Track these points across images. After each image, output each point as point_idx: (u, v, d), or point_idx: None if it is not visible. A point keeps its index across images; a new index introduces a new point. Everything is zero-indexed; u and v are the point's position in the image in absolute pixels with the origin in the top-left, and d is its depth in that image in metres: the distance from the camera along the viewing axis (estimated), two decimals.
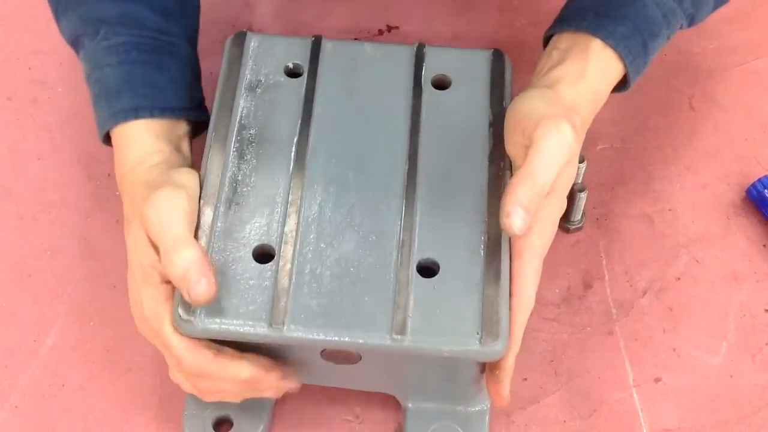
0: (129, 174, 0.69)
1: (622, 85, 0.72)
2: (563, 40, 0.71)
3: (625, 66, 0.70)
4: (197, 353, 0.64)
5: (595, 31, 0.69)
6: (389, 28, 0.94)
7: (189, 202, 0.65)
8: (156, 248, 0.63)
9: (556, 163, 0.63)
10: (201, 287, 0.61)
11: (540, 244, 0.65)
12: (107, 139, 0.73)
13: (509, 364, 0.65)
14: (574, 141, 0.64)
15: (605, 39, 0.69)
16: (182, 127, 0.73)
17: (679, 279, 0.80)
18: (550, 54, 0.72)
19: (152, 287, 0.64)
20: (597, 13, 0.70)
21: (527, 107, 0.67)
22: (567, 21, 0.72)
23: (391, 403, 0.73)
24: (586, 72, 0.69)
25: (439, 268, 0.66)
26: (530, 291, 0.65)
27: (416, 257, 0.66)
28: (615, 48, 0.69)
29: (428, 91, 0.74)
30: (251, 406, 0.71)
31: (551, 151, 0.63)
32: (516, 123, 0.66)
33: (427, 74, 0.75)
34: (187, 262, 0.61)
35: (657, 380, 0.75)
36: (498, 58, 0.76)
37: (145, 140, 0.70)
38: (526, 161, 0.63)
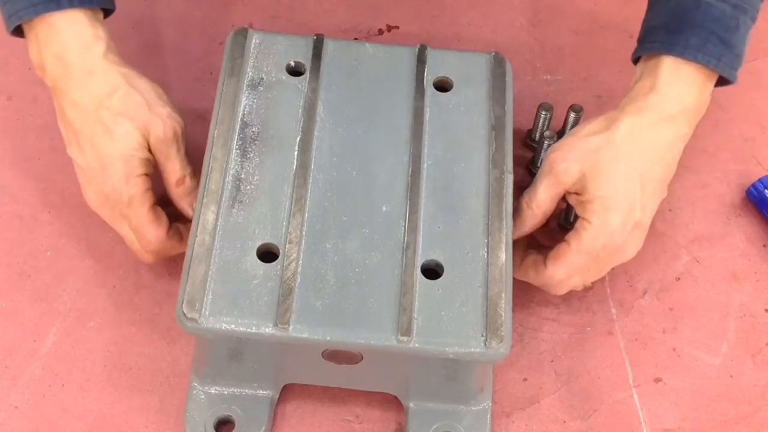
0: (80, 59, 0.71)
1: (724, 81, 0.73)
2: (641, 63, 0.73)
3: (713, 69, 0.71)
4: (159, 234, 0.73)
5: (669, 49, 0.70)
6: (389, 28, 0.94)
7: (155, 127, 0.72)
8: (151, 151, 0.72)
9: (611, 232, 0.69)
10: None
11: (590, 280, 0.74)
12: (17, 31, 0.73)
13: None
14: (636, 194, 0.69)
15: (682, 55, 0.70)
16: (100, 14, 0.74)
17: (679, 279, 0.80)
18: (634, 76, 0.74)
19: (134, 176, 0.71)
20: (668, 30, 0.71)
21: (586, 148, 0.71)
22: (642, 43, 0.73)
23: (391, 403, 0.73)
24: (659, 89, 0.71)
25: (443, 270, 0.66)
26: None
27: (420, 259, 0.66)
28: (695, 60, 0.70)
29: (430, 92, 0.75)
30: (253, 406, 0.71)
31: (610, 220, 0.69)
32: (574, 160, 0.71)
33: (429, 76, 0.75)
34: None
35: (657, 380, 0.75)
36: (498, 62, 0.76)
37: (86, 26, 0.71)
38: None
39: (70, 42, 0.71)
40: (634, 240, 0.70)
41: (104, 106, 0.71)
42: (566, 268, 0.70)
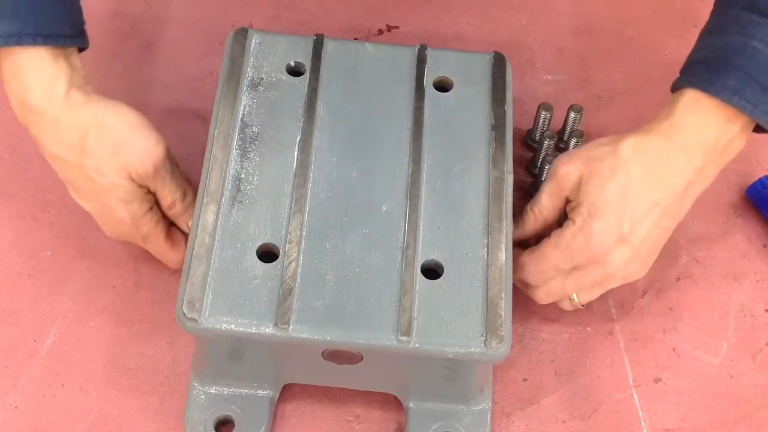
0: (44, 106, 0.68)
1: (760, 129, 0.70)
2: (678, 93, 0.70)
3: (746, 114, 0.68)
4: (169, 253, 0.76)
5: (705, 88, 0.68)
6: (389, 28, 0.94)
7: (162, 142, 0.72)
8: (143, 185, 0.72)
9: (607, 241, 0.68)
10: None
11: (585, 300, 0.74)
12: None
13: None
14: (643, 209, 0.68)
15: (716, 94, 0.67)
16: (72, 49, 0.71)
17: (679, 279, 0.80)
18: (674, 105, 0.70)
19: (140, 216, 0.73)
20: (708, 67, 0.68)
21: (599, 160, 0.70)
22: (682, 75, 0.71)
23: (391, 403, 0.73)
24: (675, 113, 0.69)
25: (443, 270, 0.66)
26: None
27: (420, 259, 0.66)
28: (730, 103, 0.67)
29: (430, 92, 0.75)
30: (253, 406, 0.71)
31: (608, 224, 0.68)
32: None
33: (429, 76, 0.75)
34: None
35: (657, 380, 0.75)
36: (499, 62, 0.76)
37: (49, 64, 0.68)
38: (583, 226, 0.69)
39: (33, 85, 0.68)
40: (620, 257, 0.68)
41: (81, 157, 0.70)
42: (538, 259, 0.70)
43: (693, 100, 0.68)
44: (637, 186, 0.67)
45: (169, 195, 0.73)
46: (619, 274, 0.69)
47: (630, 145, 0.68)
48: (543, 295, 0.72)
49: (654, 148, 0.68)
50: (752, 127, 0.69)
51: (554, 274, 0.70)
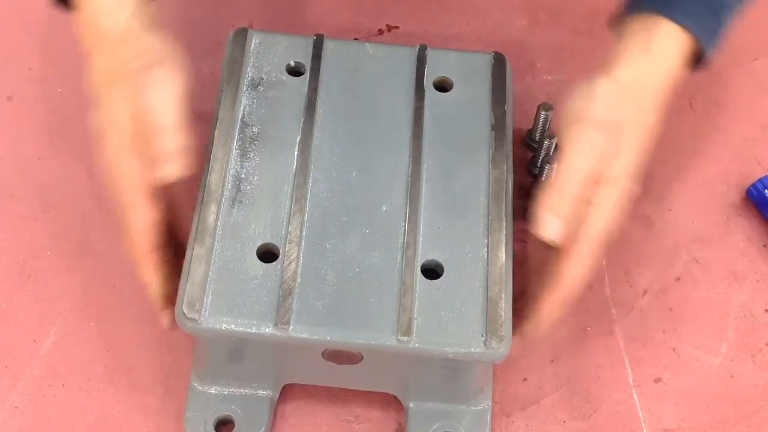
0: (110, 25, 0.68)
1: (700, 60, 0.71)
2: (632, 23, 0.71)
3: (697, 41, 0.69)
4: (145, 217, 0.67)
5: (660, 10, 0.69)
6: (389, 28, 0.94)
7: (184, 82, 0.67)
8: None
9: (578, 169, 0.66)
10: (168, 171, 0.65)
11: (595, 229, 0.67)
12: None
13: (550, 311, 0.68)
14: (600, 139, 0.66)
15: (672, 17, 0.68)
16: None
17: (679, 279, 0.80)
18: (619, 37, 0.71)
19: (128, 150, 0.66)
20: None
21: (568, 109, 0.69)
22: (633, 4, 0.71)
23: (391, 403, 0.73)
24: (651, 47, 0.69)
25: (443, 270, 0.66)
26: (578, 270, 0.67)
27: (420, 259, 0.66)
28: (682, 24, 0.68)
29: (430, 92, 0.75)
30: (253, 406, 0.71)
31: (572, 159, 0.66)
32: (561, 125, 0.69)
33: (429, 76, 0.75)
34: (166, 145, 0.65)
35: (657, 380, 0.75)
36: (499, 62, 0.76)
37: None
38: (557, 168, 0.67)
39: (103, 6, 0.69)
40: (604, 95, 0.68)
41: (117, 48, 0.69)
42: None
43: (669, 32, 0.69)
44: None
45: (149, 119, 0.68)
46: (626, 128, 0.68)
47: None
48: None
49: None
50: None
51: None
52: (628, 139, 0.68)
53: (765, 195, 0.82)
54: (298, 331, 0.63)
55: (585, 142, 0.67)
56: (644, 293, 0.79)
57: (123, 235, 0.68)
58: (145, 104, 0.66)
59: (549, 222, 0.67)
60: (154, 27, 0.71)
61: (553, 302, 0.68)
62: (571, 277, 0.67)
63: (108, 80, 0.68)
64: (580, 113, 0.68)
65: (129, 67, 0.68)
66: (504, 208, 0.69)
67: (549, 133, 0.81)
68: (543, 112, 0.82)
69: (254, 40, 0.77)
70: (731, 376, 0.76)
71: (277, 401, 0.73)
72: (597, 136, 0.67)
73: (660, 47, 0.69)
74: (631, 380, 0.75)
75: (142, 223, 0.66)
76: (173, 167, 0.66)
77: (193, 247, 0.66)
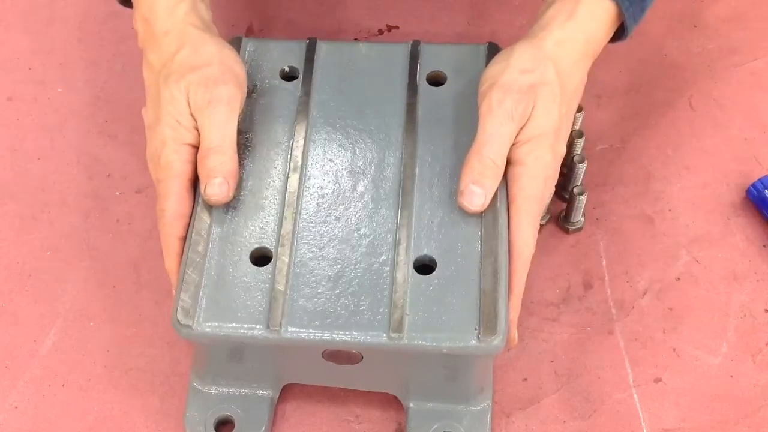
0: (162, 21, 0.70)
1: (621, 34, 0.73)
2: None
3: (621, 11, 0.70)
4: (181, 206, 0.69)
5: None
6: (389, 28, 0.94)
7: (242, 104, 0.70)
8: (194, 118, 0.68)
9: (501, 134, 0.67)
10: (216, 189, 0.67)
11: (533, 189, 0.68)
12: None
13: (513, 311, 0.67)
14: (514, 103, 0.67)
15: None
16: None
17: (679, 279, 0.80)
18: (548, 5, 0.72)
19: (176, 143, 0.68)
20: None
21: (486, 75, 0.70)
22: None
23: (391, 403, 0.73)
24: (576, 14, 0.70)
25: (436, 264, 0.66)
26: (525, 235, 0.67)
27: (413, 255, 0.66)
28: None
29: (423, 88, 0.75)
30: (253, 406, 0.71)
31: (494, 125, 0.67)
32: (480, 92, 0.70)
33: (422, 71, 0.75)
34: (219, 164, 0.67)
35: (657, 380, 0.75)
36: (493, 52, 0.76)
37: None
38: (475, 138, 0.68)
39: (158, 3, 0.71)
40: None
41: (165, 66, 0.70)
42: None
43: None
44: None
45: (207, 136, 0.69)
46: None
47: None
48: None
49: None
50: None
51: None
52: (544, 100, 0.68)
53: (765, 195, 0.82)
54: (290, 332, 0.63)
55: (500, 108, 0.67)
56: (644, 293, 0.79)
57: (158, 219, 0.69)
58: (203, 120, 0.68)
59: (472, 193, 0.67)
60: (209, 28, 0.73)
61: (513, 273, 0.67)
62: (519, 243, 0.67)
63: (164, 77, 0.69)
64: (494, 79, 0.69)
65: (190, 80, 0.69)
66: (497, 201, 0.69)
67: None
68: None
69: (248, 48, 0.77)
70: (731, 376, 0.75)
71: (277, 401, 0.73)
72: (510, 100, 0.67)
73: (584, 14, 0.70)
74: (631, 380, 0.75)
75: (176, 211, 0.68)
76: (221, 189, 0.67)
77: (188, 252, 0.66)
